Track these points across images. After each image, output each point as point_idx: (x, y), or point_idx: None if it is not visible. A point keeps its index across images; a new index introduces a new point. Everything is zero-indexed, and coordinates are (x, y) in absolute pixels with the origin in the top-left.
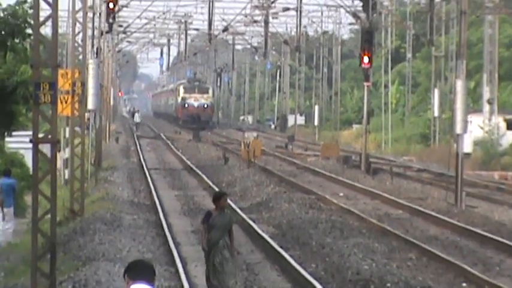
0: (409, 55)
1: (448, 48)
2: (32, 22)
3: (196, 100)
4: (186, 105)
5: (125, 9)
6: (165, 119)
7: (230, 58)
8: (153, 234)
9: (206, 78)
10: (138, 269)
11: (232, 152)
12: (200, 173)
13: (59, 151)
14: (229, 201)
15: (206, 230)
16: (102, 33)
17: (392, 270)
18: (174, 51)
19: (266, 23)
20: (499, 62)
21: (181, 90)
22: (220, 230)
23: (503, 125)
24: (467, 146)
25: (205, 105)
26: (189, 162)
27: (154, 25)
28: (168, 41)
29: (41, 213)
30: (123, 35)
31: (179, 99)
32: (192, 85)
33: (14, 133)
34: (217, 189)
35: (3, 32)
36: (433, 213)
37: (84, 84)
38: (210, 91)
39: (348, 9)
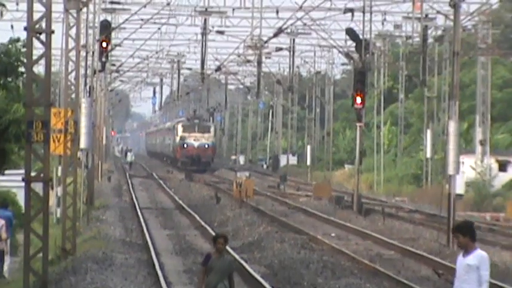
0: (401, 96)
1: (441, 89)
2: (25, 60)
3: (196, 140)
4: (185, 146)
5: (118, 48)
6: (161, 159)
7: (223, 98)
8: (144, 274)
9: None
10: None
11: (224, 192)
12: (192, 212)
13: (51, 190)
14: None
15: (204, 272)
16: (95, 72)
17: None
18: (166, 91)
19: (259, 62)
20: (491, 103)
21: (180, 128)
22: (219, 274)
23: (495, 166)
24: (459, 187)
25: (206, 146)
26: (181, 202)
27: (147, 64)
28: (161, 80)
29: (33, 251)
30: (116, 74)
31: (177, 139)
32: (192, 123)
33: (6, 171)
34: (212, 230)
35: None
36: (425, 254)
37: (76, 123)
38: (212, 130)
39: (341, 49)
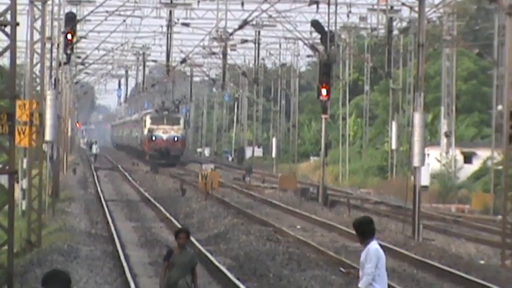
0: (366, 87)
1: (406, 80)
2: None
3: (165, 132)
4: (154, 138)
5: (83, 40)
6: (128, 152)
7: (188, 90)
8: (110, 266)
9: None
10: (52, 281)
11: (190, 184)
12: (158, 204)
13: (17, 182)
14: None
15: (166, 268)
16: (60, 64)
17: None
18: (132, 83)
19: (224, 55)
20: (456, 95)
21: (148, 120)
22: (181, 269)
23: (460, 158)
24: (424, 179)
25: (176, 138)
26: (146, 194)
27: (113, 56)
28: (126, 72)
29: None
30: (81, 66)
31: (145, 131)
32: (161, 115)
33: None
34: (177, 222)
35: None
36: (390, 246)
37: (41, 115)
38: (181, 122)
39: (306, 41)
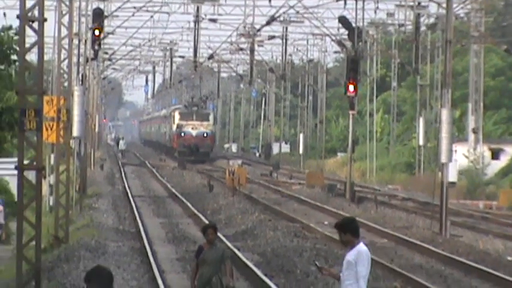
0: (394, 84)
1: (434, 77)
2: (18, 48)
3: (194, 128)
4: (183, 134)
5: (110, 36)
6: (156, 148)
7: (215, 86)
8: (137, 262)
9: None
10: (95, 277)
11: (217, 180)
12: (185, 200)
13: (44, 178)
14: None
15: (196, 265)
16: (87, 60)
17: None
18: (159, 79)
19: (252, 50)
20: (484, 92)
21: (177, 116)
22: (212, 266)
23: (488, 154)
24: (452, 175)
25: (205, 134)
26: (173, 190)
27: (140, 52)
28: (153, 68)
29: (26, 240)
30: (109, 62)
31: (174, 127)
32: (190, 111)
33: None
34: (205, 218)
35: None
36: (418, 242)
37: (69, 111)
38: (211, 118)
39: (334, 37)
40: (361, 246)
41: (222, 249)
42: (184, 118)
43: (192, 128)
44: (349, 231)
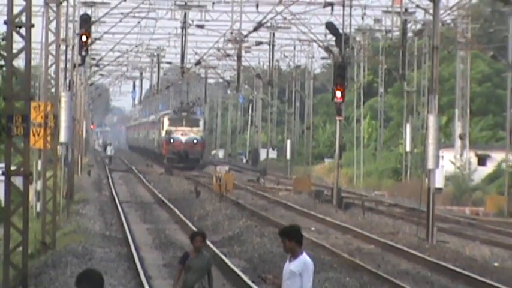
0: (381, 90)
1: (420, 83)
2: (5, 54)
3: (184, 134)
4: (172, 140)
5: (97, 42)
6: (144, 154)
7: (202, 91)
8: (124, 268)
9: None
10: (86, 280)
11: (204, 186)
12: (172, 206)
13: (31, 184)
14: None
15: (180, 271)
16: (74, 66)
17: None
18: (146, 85)
19: (239, 57)
20: (470, 98)
21: (166, 122)
22: (197, 273)
23: (474, 161)
24: (438, 181)
25: (195, 141)
26: (160, 196)
27: (127, 58)
28: (141, 74)
29: (13, 245)
30: (96, 68)
31: (163, 133)
32: (179, 116)
33: None
34: (192, 224)
35: None
36: (405, 248)
37: (56, 117)
38: (201, 123)
39: (321, 43)
40: (306, 257)
41: (208, 257)
42: (173, 124)
43: (182, 134)
44: (294, 238)
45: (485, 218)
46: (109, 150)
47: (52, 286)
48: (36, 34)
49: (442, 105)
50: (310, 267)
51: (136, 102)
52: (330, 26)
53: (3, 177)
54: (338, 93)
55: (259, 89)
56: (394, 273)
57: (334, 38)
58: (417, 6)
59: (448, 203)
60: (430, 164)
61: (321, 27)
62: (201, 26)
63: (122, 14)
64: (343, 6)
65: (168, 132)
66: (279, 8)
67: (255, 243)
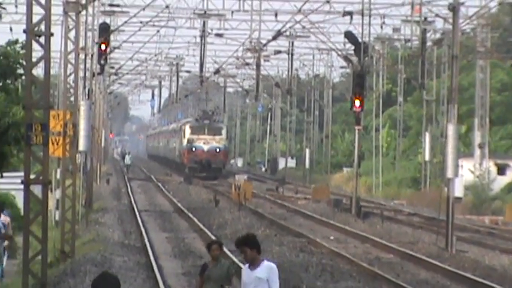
0: (400, 99)
1: (440, 92)
2: (24, 63)
3: (206, 143)
4: (194, 149)
5: (116, 50)
6: (164, 164)
7: (221, 100)
8: (143, 277)
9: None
10: (102, 284)
11: (223, 195)
12: (191, 215)
13: (50, 192)
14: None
15: (200, 283)
16: (94, 75)
17: None
18: (165, 93)
19: (258, 65)
20: (490, 107)
21: (188, 130)
22: (218, 283)
23: (494, 170)
24: (458, 190)
25: (217, 149)
26: (179, 205)
27: (146, 67)
28: (160, 83)
29: (32, 254)
30: (115, 77)
31: (184, 142)
32: (201, 124)
33: (5, 174)
34: (210, 233)
35: None
36: (424, 257)
37: (75, 126)
38: (224, 131)
39: (340, 52)
40: (270, 263)
41: (227, 265)
42: (195, 132)
43: (204, 143)
44: (255, 247)
45: (505, 227)
46: (127, 159)
47: None
48: (56, 43)
49: (461, 114)
50: (276, 271)
51: (155, 111)
52: (349, 35)
53: (22, 186)
54: (357, 102)
55: (278, 97)
56: (414, 282)
57: (353, 47)
58: (436, 15)
59: (468, 212)
60: (450, 173)
61: (340, 36)
62: (220, 35)
63: (141, 22)
64: (362, 15)
65: (190, 141)
66: (298, 17)
67: (274, 252)
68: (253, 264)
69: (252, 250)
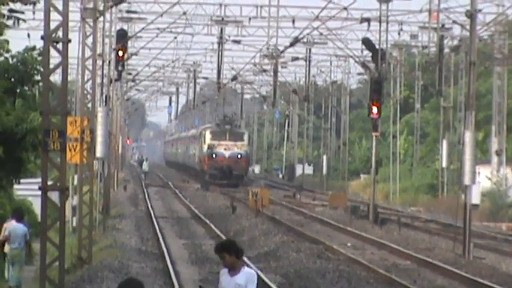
0: (417, 105)
1: (457, 99)
2: (42, 69)
3: (227, 149)
4: (214, 156)
5: (134, 57)
6: (183, 170)
7: (239, 107)
8: (160, 283)
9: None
10: None
11: (240, 201)
12: (208, 221)
13: (68, 199)
14: None
15: None
16: (111, 81)
17: None
18: (182, 100)
19: (275, 72)
20: (507, 113)
21: (208, 135)
22: None
23: (511, 177)
24: (475, 197)
25: (239, 156)
26: (196, 211)
27: (163, 73)
28: (177, 89)
29: (49, 260)
30: (132, 83)
31: (205, 148)
32: (222, 129)
33: (22, 180)
34: (226, 239)
35: (12, 79)
36: (441, 264)
37: (92, 132)
38: (245, 137)
39: (357, 59)
40: (249, 269)
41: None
42: (216, 138)
43: (225, 149)
44: (234, 252)
45: None
46: (145, 166)
47: None
48: (73, 49)
49: (478, 121)
50: (255, 278)
51: (173, 117)
52: (367, 42)
53: (39, 192)
54: (374, 109)
55: (296, 104)
56: None
57: (370, 54)
58: (454, 22)
59: (485, 219)
60: (467, 180)
61: (357, 42)
62: (238, 41)
63: (158, 29)
64: (380, 22)
65: (210, 147)
66: (316, 24)
67: (291, 258)
68: (233, 270)
69: (230, 256)
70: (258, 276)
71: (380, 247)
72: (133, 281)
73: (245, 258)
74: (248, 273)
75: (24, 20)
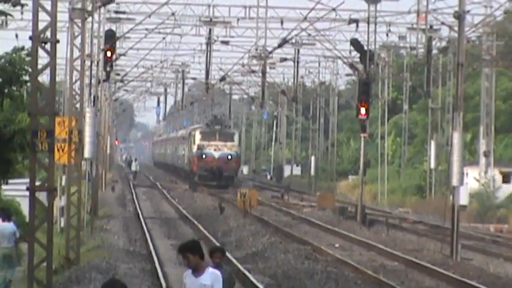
0: (405, 106)
1: (445, 100)
2: (30, 69)
3: (217, 149)
4: (204, 156)
5: (122, 57)
6: (171, 171)
7: (227, 108)
8: (148, 284)
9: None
10: None
11: (228, 202)
12: (196, 222)
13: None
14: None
15: None
16: (99, 82)
17: None
18: (171, 101)
19: (263, 73)
20: (495, 115)
21: (198, 136)
22: None
23: (499, 178)
24: (463, 198)
25: (229, 157)
26: (185, 212)
27: (152, 74)
28: (165, 90)
29: (37, 261)
30: (120, 84)
31: (194, 148)
32: (212, 130)
33: (10, 181)
34: (216, 240)
35: (0, 80)
36: (429, 265)
37: (81, 133)
38: (236, 138)
39: (345, 60)
40: (214, 270)
41: (228, 272)
42: (205, 138)
43: (215, 150)
44: (197, 253)
45: (510, 235)
46: (134, 166)
47: None
48: (61, 50)
49: (466, 123)
50: (220, 279)
51: (161, 118)
52: (355, 43)
53: (27, 193)
54: (362, 110)
55: (284, 105)
56: None
57: (358, 55)
58: (442, 23)
59: (472, 220)
60: (455, 181)
61: (345, 43)
62: (226, 42)
63: (146, 30)
64: (368, 23)
65: (200, 147)
66: (304, 25)
67: (279, 259)
68: (198, 271)
69: (194, 256)
70: (232, 277)
71: (368, 248)
72: (116, 282)
73: (233, 259)
74: (213, 274)
75: (11, 16)
